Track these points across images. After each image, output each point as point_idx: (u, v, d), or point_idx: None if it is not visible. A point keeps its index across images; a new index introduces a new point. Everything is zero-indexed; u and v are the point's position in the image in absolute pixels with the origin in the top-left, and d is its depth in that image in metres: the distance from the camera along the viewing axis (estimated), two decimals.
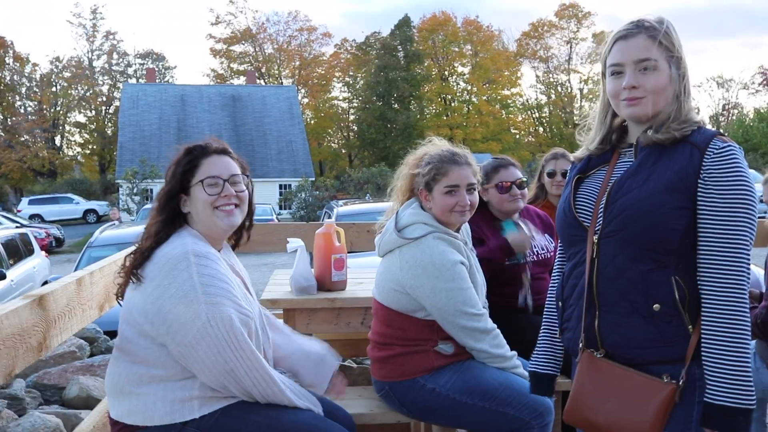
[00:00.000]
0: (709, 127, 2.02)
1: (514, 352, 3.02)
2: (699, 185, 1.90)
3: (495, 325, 2.96)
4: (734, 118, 56.08)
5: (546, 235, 3.67)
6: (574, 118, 59.27)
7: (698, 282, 1.92)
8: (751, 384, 1.83)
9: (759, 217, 3.95)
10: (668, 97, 2.00)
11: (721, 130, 2.03)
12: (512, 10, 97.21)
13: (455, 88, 63.17)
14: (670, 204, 1.91)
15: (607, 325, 2.01)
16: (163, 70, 64.73)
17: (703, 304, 1.90)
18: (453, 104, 62.49)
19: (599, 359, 2.03)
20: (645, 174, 1.98)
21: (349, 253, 3.74)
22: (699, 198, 1.90)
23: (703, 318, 1.89)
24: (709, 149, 1.92)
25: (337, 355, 2.81)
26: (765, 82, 64.31)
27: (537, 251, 3.52)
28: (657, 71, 1.98)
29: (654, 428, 1.90)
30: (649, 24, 2.00)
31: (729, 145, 1.92)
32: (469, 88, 62.67)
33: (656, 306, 1.92)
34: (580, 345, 2.09)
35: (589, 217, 2.08)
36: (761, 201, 3.39)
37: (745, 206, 1.87)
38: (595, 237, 2.03)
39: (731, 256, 1.86)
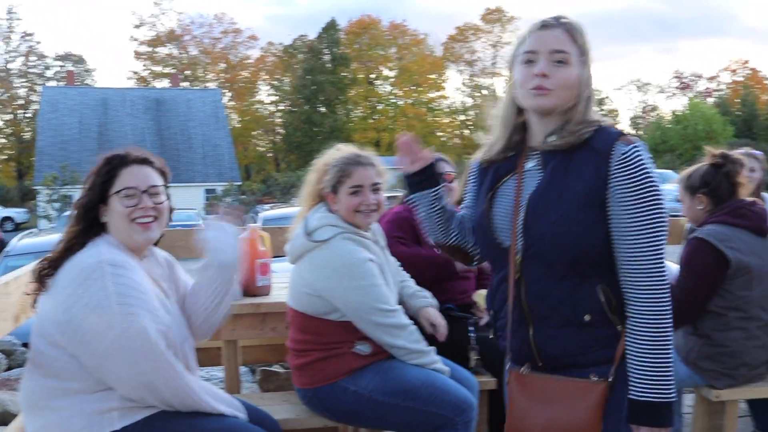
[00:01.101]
0: (611, 125, 2.01)
1: (433, 348, 3.05)
2: (608, 194, 1.92)
3: (411, 321, 3.00)
4: (652, 120, 57.75)
5: None
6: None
7: (621, 286, 1.96)
8: (672, 379, 1.90)
9: (672, 216, 4.07)
10: (573, 96, 1.99)
11: (624, 129, 2.02)
12: (438, 14, 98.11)
13: (382, 92, 63.43)
14: (585, 221, 1.93)
15: (542, 338, 2.03)
16: (83, 73, 63.17)
17: (626, 308, 1.95)
18: (379, 107, 62.72)
19: (526, 375, 2.06)
20: (557, 189, 1.97)
21: (274, 257, 3.73)
22: (610, 207, 1.92)
23: (627, 321, 1.95)
24: (612, 155, 1.92)
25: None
26: (681, 85, 66.56)
27: None
28: (569, 66, 1.97)
29: (593, 427, 1.95)
30: (567, 21, 2.01)
31: (632, 148, 1.92)
32: (395, 91, 63.02)
33: (587, 317, 1.97)
34: (507, 365, 2.12)
35: (508, 237, 2.07)
36: (677, 200, 3.51)
37: (655, 209, 1.89)
38: (518, 257, 2.03)
39: (648, 259, 1.90)
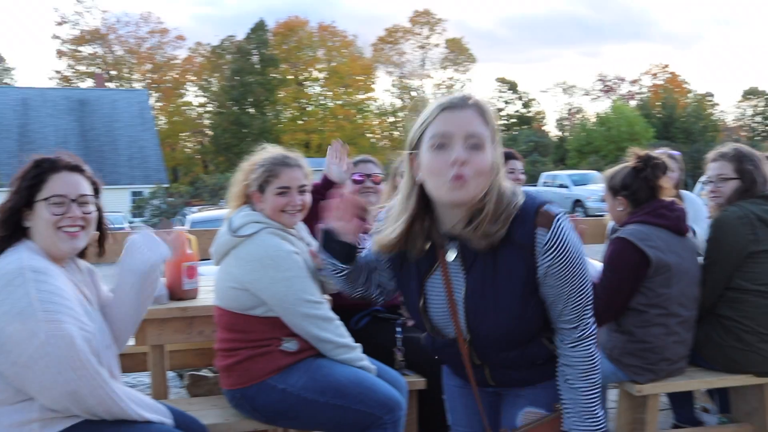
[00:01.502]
0: (524, 200, 1.93)
1: (359, 344, 3.08)
2: (538, 279, 1.96)
3: (336, 315, 3.02)
4: (578, 122, 59.02)
5: None
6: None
7: (556, 337, 2.07)
8: (600, 413, 2.03)
9: (596, 215, 4.14)
10: (487, 184, 1.87)
11: (537, 206, 1.92)
12: (367, 16, 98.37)
13: (311, 93, 63.24)
14: (525, 311, 1.99)
15: (497, 375, 2.16)
16: (2, 72, 61.20)
17: (559, 356, 2.06)
18: (309, 109, 62.51)
19: None
20: (491, 292, 1.97)
21: (202, 260, 3.69)
22: (541, 287, 1.98)
23: (559, 368, 2.06)
24: (536, 247, 1.91)
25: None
26: (605, 88, 68.18)
27: None
28: (483, 151, 1.84)
29: None
30: (476, 101, 1.89)
31: (551, 234, 1.89)
32: (324, 92, 62.90)
33: (538, 361, 2.10)
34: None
35: (451, 331, 2.11)
36: (601, 200, 3.59)
37: (581, 278, 1.97)
38: (465, 341, 2.10)
39: (579, 314, 2.01)
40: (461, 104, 1.87)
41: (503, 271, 1.94)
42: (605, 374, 3.35)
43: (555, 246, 1.90)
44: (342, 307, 3.25)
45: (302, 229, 3.22)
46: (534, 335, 2.06)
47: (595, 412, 2.02)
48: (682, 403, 4.10)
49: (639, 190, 3.38)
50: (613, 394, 4.07)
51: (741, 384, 3.53)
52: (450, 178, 1.82)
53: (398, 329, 3.47)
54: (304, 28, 61.57)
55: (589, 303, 2.02)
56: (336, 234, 2.13)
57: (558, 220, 1.90)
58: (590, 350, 2.01)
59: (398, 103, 66.36)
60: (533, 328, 2.04)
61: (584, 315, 2.01)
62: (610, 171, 3.52)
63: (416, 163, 1.93)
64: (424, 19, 64.82)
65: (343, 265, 2.18)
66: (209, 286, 3.60)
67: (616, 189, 3.45)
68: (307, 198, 3.10)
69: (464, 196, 1.85)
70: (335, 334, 2.98)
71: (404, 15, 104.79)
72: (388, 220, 2.05)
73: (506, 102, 66.87)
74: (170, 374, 5.01)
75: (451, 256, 2.01)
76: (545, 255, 1.91)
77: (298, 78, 62.61)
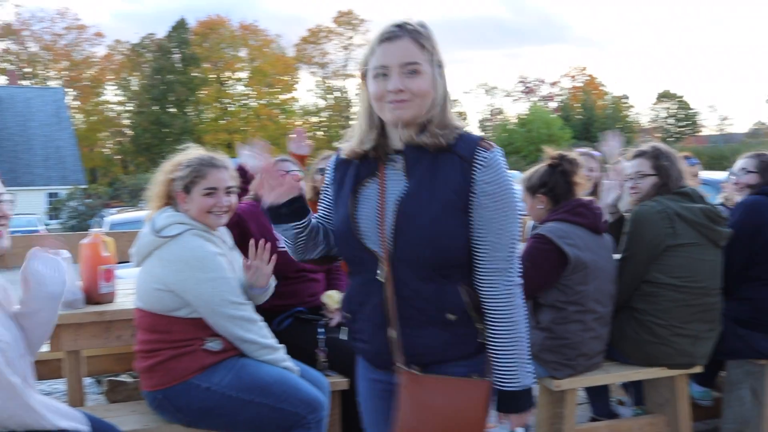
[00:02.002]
0: (469, 130, 2.07)
1: (282, 345, 3.09)
2: (470, 198, 1.98)
3: (260, 317, 3.03)
4: (499, 123, 59.92)
5: None
6: (351, 122, 60.79)
7: (477, 286, 2.03)
8: (530, 367, 2.05)
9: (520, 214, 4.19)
10: (432, 102, 2.02)
11: (482, 134, 2.12)
12: (289, 16, 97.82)
13: (233, 93, 62.51)
14: (452, 225, 1.98)
15: (406, 338, 2.05)
16: None
17: (484, 306, 2.03)
18: (231, 109, 61.78)
19: (417, 375, 2.06)
20: (426, 194, 1.99)
21: (121, 263, 3.62)
22: (472, 210, 1.99)
23: (485, 318, 2.04)
24: (475, 162, 1.98)
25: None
26: (525, 90, 69.43)
27: None
28: (422, 75, 1.98)
29: (482, 425, 2.04)
30: (413, 27, 2.00)
31: (492, 154, 1.99)
32: (247, 92, 62.27)
33: (450, 315, 2.02)
34: (398, 364, 2.09)
35: (375, 241, 2.06)
36: (521, 200, 3.66)
37: (513, 212, 2.00)
38: (386, 260, 2.03)
39: (506, 260, 2.00)
40: (397, 34, 1.99)
41: (440, 177, 2.00)
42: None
43: (493, 167, 1.98)
44: (264, 308, 3.23)
45: (225, 233, 3.20)
46: (453, 266, 2.01)
47: (526, 365, 2.04)
48: (598, 396, 4.21)
49: (557, 186, 3.46)
50: (533, 390, 4.14)
51: (654, 376, 3.65)
52: (389, 102, 1.99)
53: (320, 330, 3.47)
54: (225, 26, 60.82)
55: (515, 264, 2.02)
56: (278, 203, 2.12)
57: (498, 150, 2.02)
58: (519, 300, 2.04)
59: (321, 103, 66.26)
60: (454, 253, 2.00)
61: (514, 262, 2.02)
62: (527, 173, 3.61)
63: (367, 91, 2.08)
64: (347, 19, 64.84)
65: (302, 222, 2.15)
66: (127, 289, 3.54)
67: (534, 188, 3.52)
68: (234, 199, 3.09)
69: (404, 116, 2.00)
70: (259, 335, 2.98)
71: (327, 15, 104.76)
72: (352, 133, 2.17)
73: None
74: (87, 380, 4.89)
75: (392, 167, 2.09)
76: (483, 172, 1.97)
77: (220, 77, 61.82)
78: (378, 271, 2.05)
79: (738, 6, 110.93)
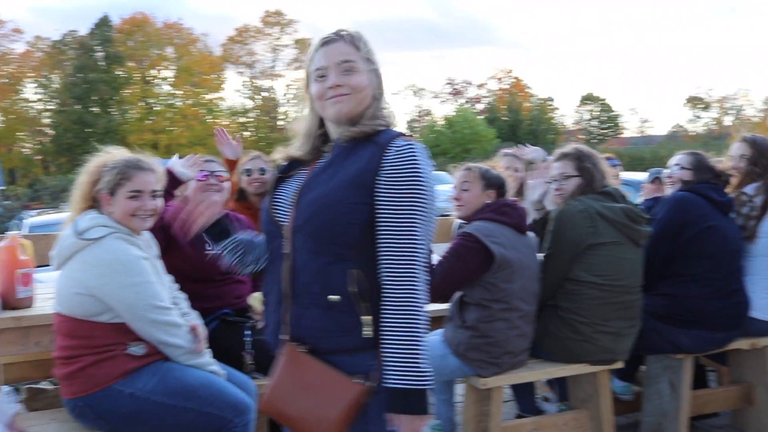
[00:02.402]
0: (399, 129, 2.14)
1: (208, 349, 3.06)
2: (376, 181, 1.99)
3: (185, 322, 2.99)
4: (426, 124, 60.33)
5: None
6: (278, 122, 60.32)
7: (380, 275, 2.00)
8: (424, 367, 1.94)
9: (443, 215, 4.24)
10: (368, 97, 2.13)
11: (408, 132, 2.16)
12: (216, 15, 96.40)
13: (159, 92, 61.42)
14: (349, 199, 1.99)
15: (293, 316, 2.07)
16: None
17: (381, 296, 1.98)
18: (157, 108, 60.69)
19: (302, 353, 2.06)
20: (333, 171, 2.07)
21: (40, 266, 3.52)
22: (376, 193, 1.99)
23: (381, 309, 1.98)
24: (389, 147, 2.02)
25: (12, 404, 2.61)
26: (452, 91, 70.11)
27: None
28: (358, 72, 2.11)
29: (339, 426, 1.99)
30: (347, 33, 2.15)
31: (409, 144, 2.03)
32: (173, 91, 61.25)
33: (333, 297, 2.00)
34: (285, 337, 2.10)
35: (286, 215, 2.12)
36: (449, 200, 3.71)
37: (418, 201, 1.98)
38: (290, 232, 2.08)
39: (405, 248, 1.97)
40: (334, 38, 2.14)
41: (352, 158, 2.06)
42: (452, 369, 3.47)
43: (405, 155, 2.01)
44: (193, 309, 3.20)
45: (150, 238, 3.15)
46: (347, 245, 2.00)
47: (419, 363, 1.93)
48: (524, 393, 4.28)
49: (502, 187, 3.61)
50: (460, 388, 4.19)
51: (577, 373, 3.73)
52: (329, 98, 2.11)
53: (247, 333, 3.44)
54: (150, 24, 59.69)
55: (415, 254, 1.96)
56: (207, 226, 2.27)
57: (419, 146, 2.05)
58: (421, 296, 1.97)
59: (249, 103, 65.62)
60: (347, 228, 1.99)
61: (417, 255, 1.97)
62: (485, 166, 3.66)
63: (311, 97, 2.20)
64: (275, 19, 64.37)
65: (238, 237, 2.31)
66: (46, 294, 3.44)
67: (493, 184, 3.59)
68: (160, 203, 3.04)
69: (344, 108, 2.11)
70: (185, 339, 2.94)
71: (255, 15, 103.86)
72: (297, 137, 2.27)
73: None
74: (5, 388, 4.73)
75: (324, 156, 2.18)
76: (394, 157, 2.00)
77: (145, 76, 60.66)
78: (282, 242, 2.11)
79: (657, 10, 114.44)
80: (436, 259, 3.46)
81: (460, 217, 3.64)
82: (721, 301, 3.87)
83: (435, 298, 3.40)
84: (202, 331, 3.08)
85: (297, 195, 2.11)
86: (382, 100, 2.18)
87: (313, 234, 2.02)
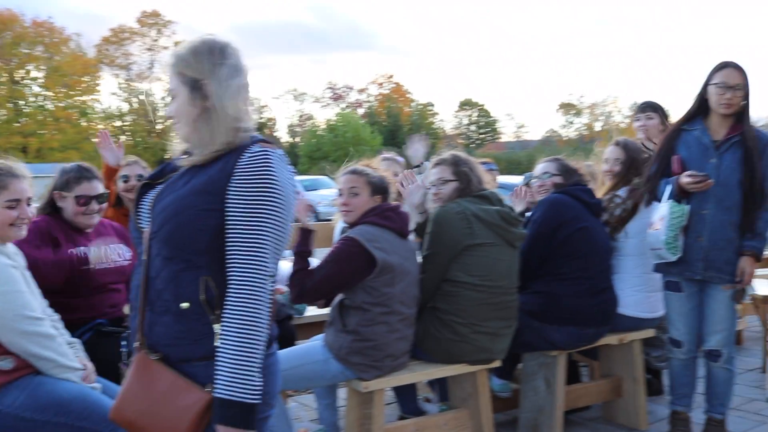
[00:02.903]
0: (259, 135, 2.09)
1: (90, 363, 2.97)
2: (228, 187, 1.95)
3: (57, 332, 2.90)
4: (308, 128, 60.16)
5: (122, 244, 3.74)
6: (157, 127, 58.80)
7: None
8: (255, 380, 1.89)
9: (327, 219, 4.24)
10: (192, 120, 2.05)
11: (266, 137, 2.10)
12: (88, 14, 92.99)
13: (28, 93, 58.72)
14: (199, 205, 1.96)
15: (147, 324, 2.03)
16: None
17: (224, 302, 1.93)
18: (26, 110, 58.00)
19: (153, 361, 2.01)
20: (188, 178, 2.03)
21: None
22: (226, 199, 1.95)
23: (222, 314, 1.93)
24: (244, 153, 1.98)
25: None
26: (334, 96, 70.23)
27: (113, 259, 3.56)
28: (176, 98, 2.07)
29: None
30: (167, 59, 2.11)
31: (264, 150, 1.98)
32: (43, 93, 58.70)
33: (184, 304, 1.97)
34: (136, 344, 2.06)
35: (147, 221, 2.09)
36: (333, 204, 3.72)
37: (268, 208, 1.94)
38: (148, 239, 2.05)
39: (252, 256, 1.92)
40: (166, 64, 2.11)
41: (208, 165, 2.02)
42: (333, 373, 3.47)
43: (257, 159, 1.96)
44: (64, 321, 3.08)
45: (16, 250, 3.02)
46: (198, 251, 1.96)
47: (250, 374, 1.88)
48: (406, 395, 4.33)
49: (387, 192, 3.64)
50: (342, 392, 4.20)
51: (457, 373, 3.81)
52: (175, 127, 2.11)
53: (123, 343, 3.33)
54: (18, 22, 57.01)
55: (261, 263, 1.92)
56: None
57: (275, 152, 2.01)
58: (263, 306, 1.92)
59: (125, 106, 63.67)
60: (197, 234, 1.95)
61: (264, 263, 1.93)
62: (371, 170, 3.67)
63: None
64: (152, 20, 62.73)
65: None
66: None
67: (379, 189, 3.61)
68: (33, 210, 2.98)
69: (182, 137, 2.11)
70: (57, 352, 2.84)
71: (131, 15, 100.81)
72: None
73: None
74: None
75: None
76: (245, 162, 1.96)
77: (13, 76, 57.86)
78: (144, 249, 2.07)
79: (529, 20, 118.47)
80: (315, 263, 3.46)
81: (347, 222, 3.63)
82: (591, 298, 4.04)
83: (312, 299, 3.45)
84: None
85: (153, 202, 2.07)
86: (220, 118, 2.04)
87: (165, 240, 1.99)
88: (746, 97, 3.80)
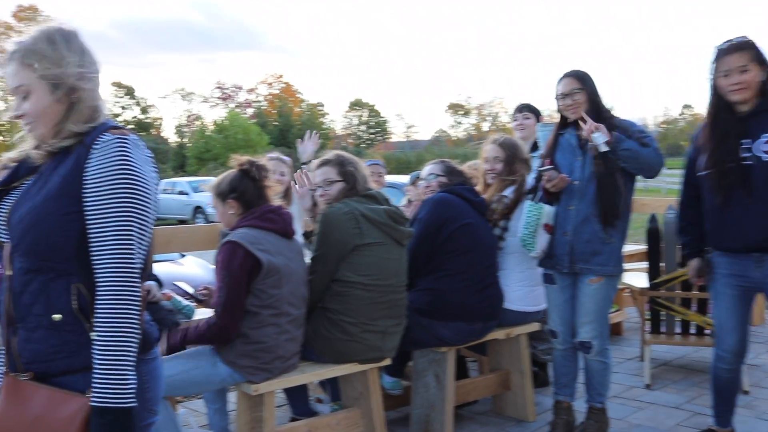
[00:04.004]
0: (110, 121, 1.99)
1: None
2: (83, 185, 1.86)
3: None
4: (197, 129, 59.02)
5: None
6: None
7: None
8: (128, 384, 1.82)
9: (216, 221, 4.12)
10: (56, 112, 1.94)
11: (120, 124, 1.99)
12: None
13: None
14: (58, 211, 1.85)
15: (20, 342, 1.91)
16: None
17: (95, 305, 1.84)
18: None
19: (23, 382, 1.90)
20: (42, 183, 1.91)
21: None
22: (83, 194, 1.85)
23: (94, 318, 1.84)
24: (93, 147, 1.88)
25: None
26: (223, 96, 69.18)
27: None
28: (29, 98, 1.93)
29: None
30: (16, 48, 1.95)
31: (117, 137, 1.88)
32: None
33: (56, 316, 1.87)
34: (3, 369, 1.94)
35: (5, 233, 1.96)
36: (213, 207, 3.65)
37: (127, 195, 1.84)
38: (8, 252, 1.92)
39: (113, 249, 1.82)
40: (7, 59, 1.96)
41: (61, 165, 1.91)
42: (222, 377, 3.42)
43: (108, 149, 1.86)
44: None
45: None
46: (62, 259, 1.85)
47: (123, 378, 1.80)
48: (297, 396, 4.30)
49: (247, 191, 3.52)
50: (232, 396, 4.14)
51: (347, 372, 3.81)
52: (25, 127, 1.97)
53: None
54: None
55: (125, 259, 1.82)
56: None
57: (131, 138, 1.91)
58: (132, 307, 1.83)
59: (0, 105, 60.82)
60: (60, 243, 1.84)
61: (127, 261, 1.83)
62: (216, 180, 3.62)
63: None
64: (29, 14, 60.15)
65: None
66: None
67: (224, 194, 3.53)
68: None
69: (38, 136, 1.97)
70: None
71: (6, 10, 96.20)
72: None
73: (123, 107, 64.79)
74: None
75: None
76: (96, 155, 1.86)
77: None
78: (5, 263, 1.94)
79: (417, 21, 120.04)
80: (193, 261, 3.39)
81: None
82: (477, 294, 4.12)
83: (234, 321, 3.33)
84: None
85: (8, 213, 1.93)
86: (85, 99, 1.96)
87: (28, 253, 1.88)
88: (591, 96, 3.95)
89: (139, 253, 1.88)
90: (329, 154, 3.95)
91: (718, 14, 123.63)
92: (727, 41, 3.53)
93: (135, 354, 1.84)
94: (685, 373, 5.53)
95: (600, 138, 3.70)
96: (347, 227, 3.67)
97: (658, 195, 25.83)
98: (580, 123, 3.82)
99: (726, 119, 3.56)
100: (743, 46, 3.48)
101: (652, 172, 3.89)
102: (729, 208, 3.55)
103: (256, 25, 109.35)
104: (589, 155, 3.89)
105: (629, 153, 3.75)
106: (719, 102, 3.59)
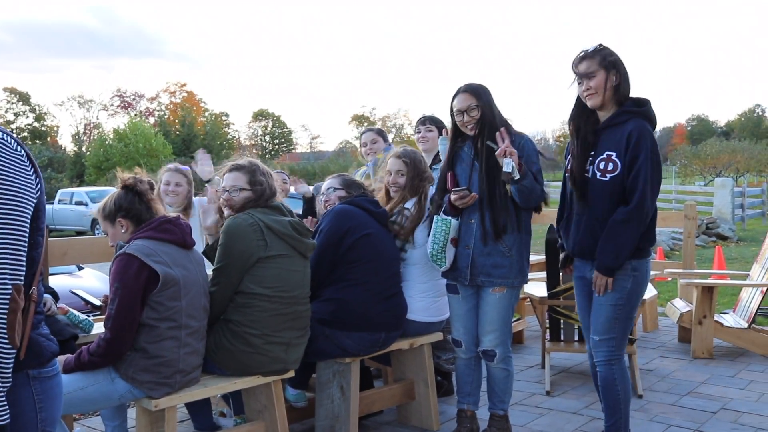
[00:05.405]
0: None
1: None
2: None
3: None
4: (96, 137, 57.34)
5: None
6: None
7: None
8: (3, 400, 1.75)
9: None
10: None
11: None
12: None
13: None
14: None
15: None
16: None
17: None
18: None
19: None
20: None
21: None
22: None
23: None
24: None
25: None
26: (122, 104, 67.50)
27: None
28: None
29: None
30: None
31: None
32: None
33: None
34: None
35: None
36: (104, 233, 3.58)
37: None
38: None
39: None
40: None
41: None
42: (121, 393, 3.33)
43: None
44: None
45: None
46: None
47: None
48: (200, 411, 4.23)
49: (133, 207, 3.47)
50: (132, 413, 4.03)
51: (251, 385, 3.77)
52: None
53: None
54: None
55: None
56: None
57: None
58: None
59: None
60: None
61: None
62: (99, 204, 3.56)
63: None
64: None
65: None
66: None
67: (112, 214, 3.48)
68: None
69: None
70: None
71: None
72: None
73: (16, 114, 62.41)
74: None
75: None
76: None
77: None
78: None
79: (322, 30, 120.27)
80: (92, 273, 3.31)
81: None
82: (380, 304, 4.15)
83: (125, 333, 3.24)
84: None
85: None
86: None
87: None
88: (487, 110, 4.02)
89: (8, 254, 1.76)
90: (243, 160, 3.90)
91: (716, 15, 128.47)
92: (582, 50, 3.73)
93: (6, 364, 1.74)
94: (584, 379, 5.69)
95: (509, 165, 3.76)
96: (251, 239, 3.64)
97: (556, 207, 26.49)
98: (497, 138, 3.86)
99: (585, 130, 3.79)
100: (592, 54, 3.68)
101: (531, 206, 4.06)
102: (573, 215, 3.86)
103: (156, 32, 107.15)
104: (485, 167, 3.97)
105: (525, 189, 3.88)
106: (583, 110, 3.81)
